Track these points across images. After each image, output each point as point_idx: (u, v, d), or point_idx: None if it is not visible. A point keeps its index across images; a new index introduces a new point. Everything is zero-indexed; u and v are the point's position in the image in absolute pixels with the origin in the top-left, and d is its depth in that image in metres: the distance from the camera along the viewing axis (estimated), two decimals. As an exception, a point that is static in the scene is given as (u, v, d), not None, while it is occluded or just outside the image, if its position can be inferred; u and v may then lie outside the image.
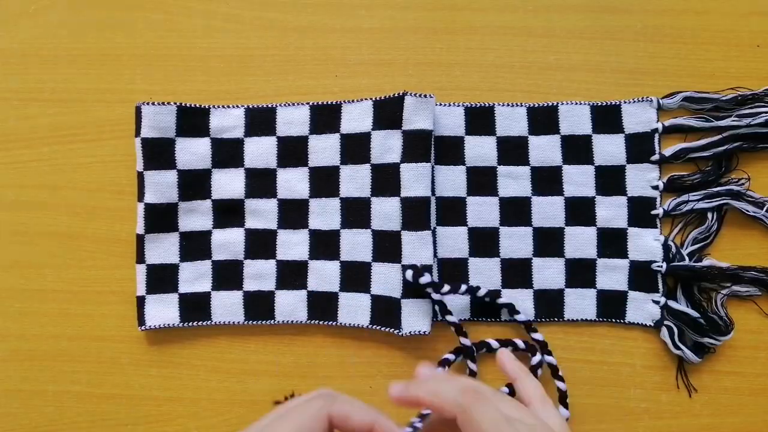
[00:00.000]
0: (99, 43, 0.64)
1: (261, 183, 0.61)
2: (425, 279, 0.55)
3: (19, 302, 0.63)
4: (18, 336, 0.62)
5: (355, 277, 0.60)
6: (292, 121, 0.62)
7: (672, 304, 0.59)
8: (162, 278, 0.61)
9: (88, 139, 0.63)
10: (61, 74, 0.64)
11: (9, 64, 0.64)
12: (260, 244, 0.61)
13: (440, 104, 0.62)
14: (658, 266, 0.59)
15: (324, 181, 0.61)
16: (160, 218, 0.60)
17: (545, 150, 0.61)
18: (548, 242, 0.61)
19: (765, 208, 0.59)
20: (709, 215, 0.60)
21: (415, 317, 0.58)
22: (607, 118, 0.61)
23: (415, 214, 0.58)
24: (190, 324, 0.61)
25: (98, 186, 0.63)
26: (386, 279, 0.59)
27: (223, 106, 0.62)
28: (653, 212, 0.60)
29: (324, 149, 0.61)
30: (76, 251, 0.63)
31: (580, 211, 0.60)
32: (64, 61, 0.64)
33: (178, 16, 0.64)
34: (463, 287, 0.57)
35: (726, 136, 0.60)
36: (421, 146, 0.58)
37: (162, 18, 0.64)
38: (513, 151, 0.61)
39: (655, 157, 0.60)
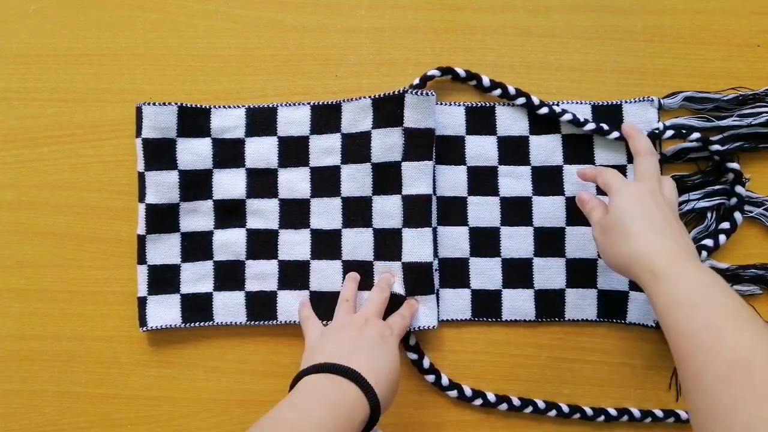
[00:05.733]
0: (99, 43, 0.64)
1: (262, 183, 0.61)
2: None
3: (19, 302, 0.62)
4: (18, 336, 0.62)
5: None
6: (293, 121, 0.62)
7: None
8: (163, 279, 0.61)
9: (88, 139, 0.63)
10: (61, 74, 0.64)
11: (9, 64, 0.64)
12: (262, 244, 0.61)
13: (441, 103, 0.62)
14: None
15: (325, 181, 0.61)
16: (162, 218, 0.60)
17: (546, 150, 0.61)
18: (549, 242, 0.61)
19: (763, 207, 0.59)
20: (708, 215, 0.60)
21: (421, 313, 0.58)
22: (608, 118, 0.61)
23: (417, 211, 0.58)
24: (192, 325, 0.61)
25: (98, 186, 0.63)
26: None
27: (224, 106, 0.62)
28: (654, 212, 0.60)
29: (325, 149, 0.61)
30: (76, 251, 0.63)
31: (581, 211, 0.60)
32: (63, 61, 0.64)
33: (178, 16, 0.64)
34: None
35: (726, 135, 0.60)
36: (423, 144, 0.58)
37: (162, 18, 0.64)
38: (514, 150, 0.61)
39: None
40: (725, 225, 0.58)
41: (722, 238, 0.58)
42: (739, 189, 0.58)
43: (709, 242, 0.58)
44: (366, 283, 0.60)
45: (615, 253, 0.50)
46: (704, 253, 0.58)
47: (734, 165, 0.58)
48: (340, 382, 0.45)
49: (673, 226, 0.49)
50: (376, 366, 0.47)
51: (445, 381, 0.59)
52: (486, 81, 0.61)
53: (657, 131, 0.60)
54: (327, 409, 0.43)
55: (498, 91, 0.61)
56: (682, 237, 0.49)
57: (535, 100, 0.60)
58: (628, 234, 0.48)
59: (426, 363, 0.59)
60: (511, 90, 0.61)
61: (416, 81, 0.60)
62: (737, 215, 0.58)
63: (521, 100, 0.60)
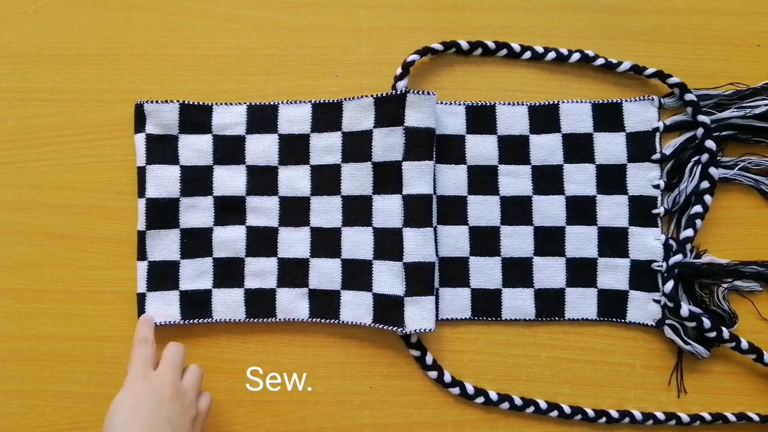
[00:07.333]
0: (99, 43, 0.64)
1: (262, 180, 0.62)
2: None
3: (19, 302, 0.62)
4: (18, 336, 0.62)
5: (357, 275, 0.60)
6: (294, 118, 0.62)
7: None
8: (163, 275, 0.61)
9: (88, 139, 0.63)
10: (61, 74, 0.64)
11: (9, 64, 0.64)
12: (261, 241, 0.61)
13: (441, 103, 0.62)
14: (659, 266, 0.59)
15: (325, 179, 0.61)
16: (162, 214, 0.60)
17: (546, 149, 0.61)
18: (549, 241, 0.61)
19: (737, 167, 0.60)
20: (686, 173, 0.60)
21: (419, 315, 0.58)
22: (608, 117, 0.61)
23: (418, 210, 0.58)
24: (191, 321, 0.61)
25: (98, 186, 0.63)
26: (388, 277, 0.59)
27: (226, 104, 0.62)
28: (654, 211, 0.60)
29: (325, 147, 0.61)
30: (76, 251, 0.63)
31: (581, 210, 0.60)
32: (63, 61, 0.64)
33: (178, 16, 0.64)
34: None
35: (722, 124, 0.60)
36: (424, 144, 0.58)
37: (162, 18, 0.64)
38: (514, 149, 0.61)
39: (656, 155, 0.60)
40: (705, 184, 0.59)
41: (708, 198, 0.59)
42: (709, 144, 0.59)
43: (689, 232, 0.59)
44: (365, 282, 0.60)
45: None
46: (698, 221, 0.59)
47: (711, 144, 0.59)
48: None
49: None
50: None
51: (447, 378, 0.59)
52: (491, 44, 0.61)
53: (657, 130, 0.60)
54: None
55: (504, 51, 0.62)
56: None
57: (539, 50, 0.61)
58: None
59: (429, 359, 0.59)
60: (516, 47, 0.62)
61: (414, 57, 0.60)
62: (713, 170, 0.59)
63: (527, 55, 0.61)
